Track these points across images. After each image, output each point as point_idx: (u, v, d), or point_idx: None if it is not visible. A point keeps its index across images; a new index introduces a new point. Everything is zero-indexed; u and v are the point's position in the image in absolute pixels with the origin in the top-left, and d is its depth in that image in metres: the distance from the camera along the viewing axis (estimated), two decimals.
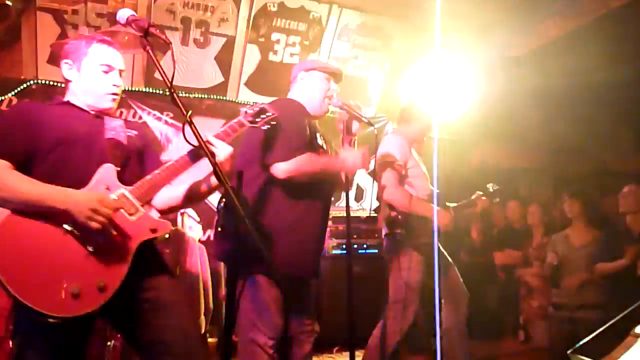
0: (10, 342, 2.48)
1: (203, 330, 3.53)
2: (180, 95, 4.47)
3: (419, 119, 3.40)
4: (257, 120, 1.87)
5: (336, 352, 4.09)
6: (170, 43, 1.49)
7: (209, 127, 4.61)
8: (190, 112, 1.50)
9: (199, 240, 3.78)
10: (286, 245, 2.29)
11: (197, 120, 4.97)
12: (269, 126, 1.91)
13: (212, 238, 4.12)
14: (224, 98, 4.73)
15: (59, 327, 1.48)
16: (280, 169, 2.23)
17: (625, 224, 3.43)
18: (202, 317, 3.49)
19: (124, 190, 1.68)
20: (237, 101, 4.78)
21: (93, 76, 1.83)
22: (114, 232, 1.60)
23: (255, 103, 1.98)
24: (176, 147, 4.34)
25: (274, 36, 4.71)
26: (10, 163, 1.63)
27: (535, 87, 5.20)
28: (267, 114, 1.90)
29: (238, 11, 4.46)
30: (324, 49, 4.92)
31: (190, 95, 4.56)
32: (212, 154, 1.54)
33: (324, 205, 2.50)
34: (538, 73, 4.81)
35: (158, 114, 4.41)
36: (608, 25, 4.13)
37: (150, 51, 1.53)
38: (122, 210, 1.65)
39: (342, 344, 4.01)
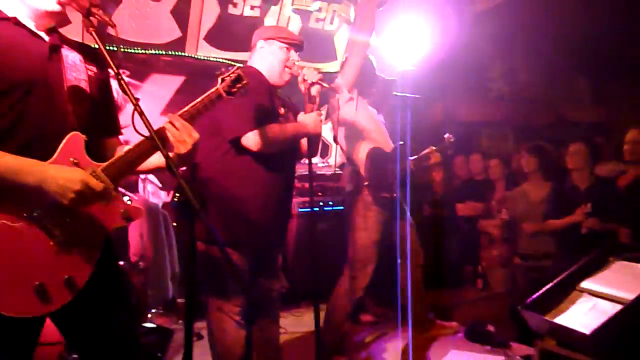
0: None
1: (170, 295, 3.59)
2: (137, 51, 4.28)
3: (349, 65, 3.41)
4: (234, 90, 1.70)
5: (303, 306, 4.23)
6: (115, 26, 1.38)
7: (168, 85, 4.50)
8: (139, 100, 1.40)
9: (163, 204, 3.76)
10: (250, 216, 2.31)
11: (155, 77, 4.75)
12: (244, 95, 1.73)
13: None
14: (183, 54, 4.54)
15: (8, 325, 1.33)
16: (253, 140, 2.20)
17: (572, 180, 3.58)
18: (169, 281, 3.53)
19: (96, 168, 1.44)
20: (196, 57, 4.59)
21: None
22: (88, 220, 1.42)
23: (228, 66, 1.80)
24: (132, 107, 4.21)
25: None
26: None
27: (498, 42, 5.22)
28: (243, 81, 1.72)
29: None
30: (286, 1, 4.75)
31: (147, 51, 4.35)
32: (165, 145, 1.44)
33: (288, 175, 2.51)
34: (501, 28, 4.80)
35: (113, 72, 4.23)
36: None
37: (94, 33, 1.41)
38: None
39: (309, 298, 4.14)
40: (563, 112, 6.16)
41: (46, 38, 1.51)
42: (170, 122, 1.53)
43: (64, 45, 1.55)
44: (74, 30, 3.83)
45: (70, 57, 1.55)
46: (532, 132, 5.82)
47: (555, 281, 2.60)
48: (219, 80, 1.69)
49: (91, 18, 1.41)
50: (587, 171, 3.51)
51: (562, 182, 3.68)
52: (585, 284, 2.55)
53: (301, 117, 2.40)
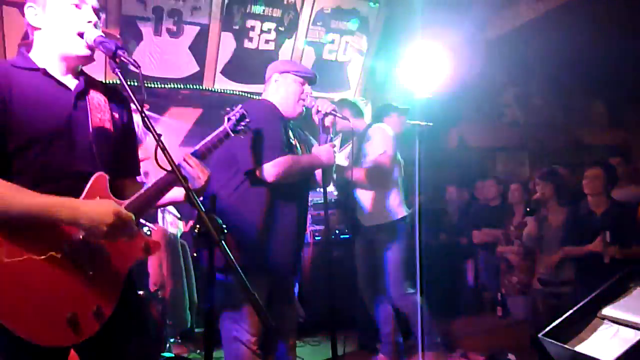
0: None
1: (189, 325, 3.61)
2: (156, 86, 4.43)
3: None
4: (239, 128, 1.87)
5: (320, 335, 4.20)
6: (139, 67, 1.46)
7: (187, 117, 4.63)
8: (162, 135, 1.47)
9: (181, 234, 3.82)
10: (266, 245, 2.35)
11: (174, 111, 4.89)
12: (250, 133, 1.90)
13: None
14: (201, 87, 4.69)
15: (40, 356, 1.38)
16: (269, 172, 2.27)
17: (588, 205, 3.54)
18: (187, 311, 3.56)
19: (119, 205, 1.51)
20: (213, 90, 4.73)
21: (62, 12, 1.54)
22: (113, 253, 1.50)
23: (235, 106, 1.92)
24: (153, 139, 4.31)
25: (249, 23, 4.65)
26: None
27: (511, 67, 5.27)
28: (247, 120, 1.89)
29: None
30: (300, 34, 4.89)
31: (166, 85, 4.50)
32: (186, 179, 1.51)
33: (302, 203, 2.56)
34: (514, 54, 4.86)
35: (134, 106, 4.35)
36: (579, 7, 4.19)
37: (119, 73, 1.48)
38: None
39: (326, 327, 4.11)
40: (579, 135, 6.14)
41: (72, 85, 1.60)
42: (185, 160, 1.65)
43: (90, 89, 1.64)
44: (97, 68, 4.01)
45: (96, 98, 1.64)
46: (548, 156, 5.80)
47: (575, 308, 2.56)
48: (225, 119, 1.85)
49: (116, 60, 1.49)
50: (604, 196, 3.47)
51: (579, 208, 3.65)
52: (607, 311, 2.51)
53: (315, 148, 2.46)
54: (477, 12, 4.58)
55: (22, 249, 1.38)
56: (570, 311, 2.57)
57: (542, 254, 3.75)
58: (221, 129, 1.83)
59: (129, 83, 1.49)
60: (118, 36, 3.96)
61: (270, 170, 2.26)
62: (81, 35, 1.55)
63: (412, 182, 3.21)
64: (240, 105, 1.94)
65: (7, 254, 1.35)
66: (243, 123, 1.88)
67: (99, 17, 1.62)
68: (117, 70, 1.49)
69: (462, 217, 5.39)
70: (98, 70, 4.01)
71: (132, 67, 1.48)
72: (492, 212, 5.11)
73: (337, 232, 4.55)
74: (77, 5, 1.56)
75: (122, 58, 1.48)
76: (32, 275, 1.38)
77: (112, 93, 1.74)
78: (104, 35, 1.55)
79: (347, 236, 4.59)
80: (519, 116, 6.24)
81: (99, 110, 1.62)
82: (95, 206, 1.43)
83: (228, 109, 1.91)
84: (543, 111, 6.13)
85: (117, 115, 1.69)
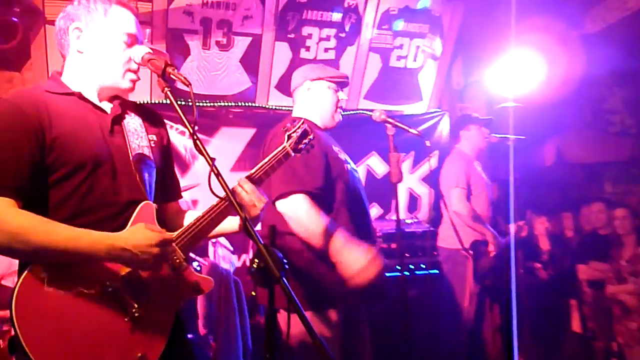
0: None
1: None
2: (205, 104, 4.58)
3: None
4: (301, 146, 1.86)
5: None
6: (190, 84, 1.51)
7: (239, 138, 4.74)
8: (215, 160, 1.50)
9: (234, 270, 3.88)
10: (332, 277, 2.35)
11: (225, 131, 5.00)
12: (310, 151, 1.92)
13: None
14: (254, 104, 4.79)
15: None
16: (294, 206, 2.29)
17: None
18: (241, 358, 3.58)
19: None
20: (268, 107, 4.82)
21: (113, 48, 1.65)
22: (160, 293, 1.55)
23: (294, 121, 1.95)
24: (202, 164, 4.44)
25: (305, 30, 4.73)
26: (12, 199, 1.44)
27: (616, 66, 5.04)
28: (309, 136, 1.89)
29: (263, 6, 4.49)
30: (363, 40, 4.92)
31: (216, 104, 4.63)
32: (242, 207, 1.53)
33: (367, 232, 2.56)
34: (619, 50, 4.64)
35: (181, 128, 4.50)
36: None
37: (169, 93, 1.53)
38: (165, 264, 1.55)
39: None
40: None
41: (108, 108, 1.70)
42: (240, 185, 1.67)
43: (125, 112, 1.73)
44: (142, 88, 4.22)
45: (131, 123, 1.73)
46: None
47: None
48: (285, 137, 1.85)
49: (166, 77, 1.56)
50: None
51: None
52: None
53: (352, 256, 2.30)
54: (573, 3, 4.44)
55: (70, 283, 1.45)
56: None
57: None
58: (280, 148, 1.82)
59: (180, 103, 1.54)
60: (165, 52, 4.15)
61: (298, 205, 2.29)
62: (127, 71, 1.68)
63: (503, 207, 3.11)
64: (302, 119, 1.95)
65: (46, 290, 1.43)
66: (305, 141, 1.87)
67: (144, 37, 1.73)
68: (167, 90, 1.55)
69: (564, 249, 5.14)
70: (144, 91, 4.24)
71: (181, 85, 1.54)
72: (601, 242, 4.84)
73: (411, 267, 4.43)
74: (127, 43, 1.68)
75: (172, 75, 1.54)
76: (75, 317, 1.44)
77: (147, 114, 1.83)
78: (151, 52, 1.63)
79: (424, 272, 4.48)
80: (630, 124, 5.92)
81: (136, 136, 1.71)
82: (133, 240, 1.47)
83: (288, 125, 1.92)
84: None
85: (154, 139, 1.77)
